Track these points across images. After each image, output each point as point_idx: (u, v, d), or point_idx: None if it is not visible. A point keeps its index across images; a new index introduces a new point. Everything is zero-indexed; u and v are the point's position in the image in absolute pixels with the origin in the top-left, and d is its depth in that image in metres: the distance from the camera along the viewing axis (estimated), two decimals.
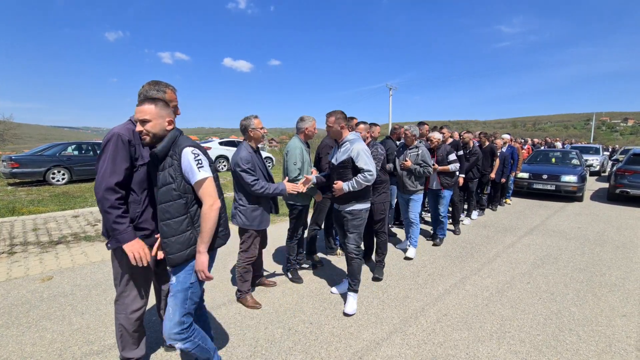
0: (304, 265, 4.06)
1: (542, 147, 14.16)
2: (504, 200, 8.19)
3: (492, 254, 4.71)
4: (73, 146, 11.77)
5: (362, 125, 3.76)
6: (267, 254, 4.54)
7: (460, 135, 6.46)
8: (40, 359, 2.38)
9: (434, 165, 4.65)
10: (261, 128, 3.17)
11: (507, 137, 7.67)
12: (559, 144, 16.50)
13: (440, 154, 4.83)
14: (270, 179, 3.22)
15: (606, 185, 10.83)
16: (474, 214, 6.67)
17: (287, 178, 3.38)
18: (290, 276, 3.76)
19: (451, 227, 5.74)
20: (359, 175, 2.91)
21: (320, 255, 4.42)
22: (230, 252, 4.48)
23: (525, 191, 9.17)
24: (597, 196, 9.62)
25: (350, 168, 2.98)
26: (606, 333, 2.79)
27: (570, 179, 8.47)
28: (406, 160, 4.23)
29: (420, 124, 5.49)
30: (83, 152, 11.82)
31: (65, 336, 2.65)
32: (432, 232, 5.41)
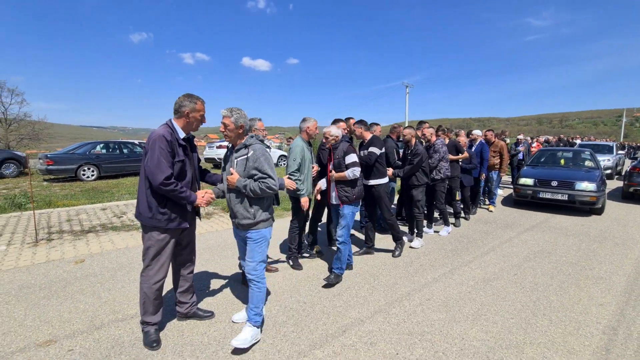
0: (305, 254, 4.41)
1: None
2: (485, 206, 7.33)
3: (487, 248, 4.91)
4: (101, 145, 12.63)
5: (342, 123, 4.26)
6: (274, 244, 4.92)
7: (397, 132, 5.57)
8: (75, 323, 2.85)
9: (330, 172, 3.70)
10: (262, 130, 3.57)
11: (477, 133, 6.94)
12: (578, 142, 15.91)
13: (336, 155, 3.66)
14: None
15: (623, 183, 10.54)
16: (444, 229, 5.48)
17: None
18: (291, 263, 4.12)
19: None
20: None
21: (320, 246, 4.76)
22: (235, 242, 4.90)
23: (529, 201, 7.49)
24: (612, 195, 9.46)
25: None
26: (578, 319, 2.99)
27: (586, 186, 6.81)
28: (231, 173, 2.56)
29: (421, 123, 5.70)
30: (110, 150, 12.66)
31: (95, 307, 3.12)
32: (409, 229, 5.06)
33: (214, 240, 5.18)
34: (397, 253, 4.49)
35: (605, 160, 12.34)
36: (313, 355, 2.46)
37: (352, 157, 3.59)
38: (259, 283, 2.61)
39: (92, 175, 11.58)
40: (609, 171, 12.39)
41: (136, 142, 14.09)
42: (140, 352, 2.47)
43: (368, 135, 4.29)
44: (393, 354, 2.48)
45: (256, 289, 2.60)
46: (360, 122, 4.38)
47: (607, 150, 13.30)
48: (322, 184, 3.93)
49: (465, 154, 5.88)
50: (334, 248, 4.84)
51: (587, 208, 7.08)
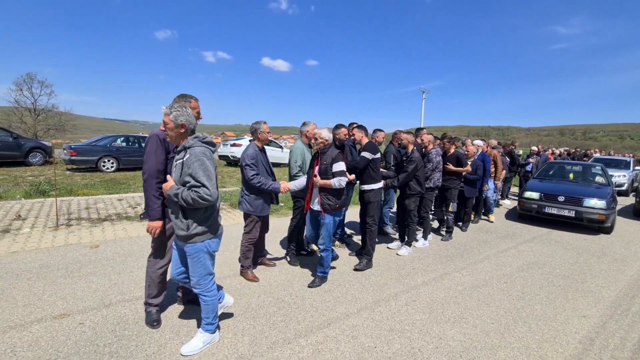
0: (302, 252, 4.62)
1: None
2: (485, 217, 7.21)
3: (482, 256, 5.00)
4: (122, 138, 13.22)
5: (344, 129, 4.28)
6: (274, 241, 5.16)
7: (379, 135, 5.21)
8: (87, 300, 3.15)
9: (314, 176, 3.52)
10: (267, 132, 3.81)
11: (478, 143, 6.74)
12: (597, 156, 15.50)
13: (324, 161, 3.50)
14: (272, 174, 3.83)
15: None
16: (421, 241, 5.27)
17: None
18: (288, 259, 4.34)
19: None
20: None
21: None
22: (239, 236, 5.17)
23: (534, 215, 7.22)
24: (624, 212, 9.28)
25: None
26: (557, 328, 3.09)
27: (595, 203, 6.53)
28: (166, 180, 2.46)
29: (419, 130, 5.80)
30: (130, 143, 13.23)
31: (106, 287, 3.43)
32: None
33: None
34: (359, 266, 4.20)
35: (620, 176, 11.91)
36: (297, 343, 2.67)
37: (340, 166, 3.46)
38: (205, 297, 2.49)
39: (112, 167, 12.14)
40: (624, 187, 11.90)
41: None
42: (142, 330, 2.73)
43: (365, 140, 4.36)
44: (371, 347, 2.67)
45: (203, 302, 2.50)
46: (360, 127, 4.46)
47: (624, 165, 12.83)
48: (292, 185, 3.79)
49: (468, 167, 5.69)
50: (335, 245, 5.03)
51: (595, 226, 6.71)
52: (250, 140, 3.86)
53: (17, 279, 3.51)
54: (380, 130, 5.50)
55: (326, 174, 3.47)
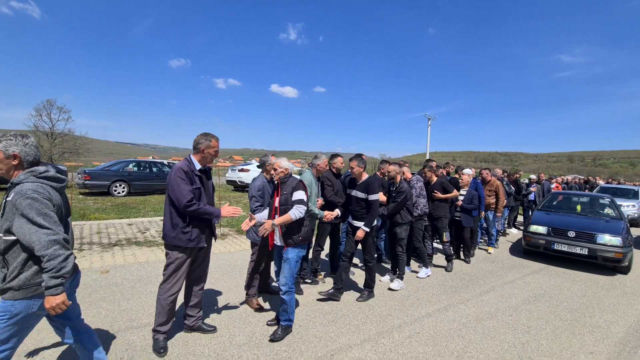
0: (307, 280, 4.67)
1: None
2: (484, 247, 7.08)
3: (487, 287, 4.97)
4: (133, 164, 13.63)
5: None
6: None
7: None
8: (97, 326, 3.23)
9: (275, 208, 3.29)
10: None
11: (468, 172, 6.44)
12: (601, 183, 15.38)
13: (284, 191, 3.26)
14: None
15: None
16: (423, 270, 5.29)
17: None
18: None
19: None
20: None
21: (323, 273, 5.01)
22: (245, 263, 5.24)
23: (542, 252, 6.58)
24: (635, 242, 9.11)
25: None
26: None
27: (610, 239, 5.91)
28: None
29: (429, 161, 5.93)
30: (141, 169, 13.62)
31: (115, 313, 3.51)
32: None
33: (225, 261, 5.55)
34: (361, 298, 4.22)
35: (629, 206, 11.55)
36: None
37: (299, 195, 3.21)
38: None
39: (123, 191, 12.45)
40: (635, 215, 11.45)
41: (165, 162, 15.06)
42: (149, 357, 2.80)
43: (364, 176, 4.15)
44: None
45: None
46: (358, 157, 4.14)
47: (632, 195, 12.36)
48: (259, 217, 3.44)
49: (455, 193, 5.63)
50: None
51: (610, 265, 6.07)
52: (258, 166, 4.06)
53: None
54: (386, 161, 5.57)
55: (287, 204, 3.23)
